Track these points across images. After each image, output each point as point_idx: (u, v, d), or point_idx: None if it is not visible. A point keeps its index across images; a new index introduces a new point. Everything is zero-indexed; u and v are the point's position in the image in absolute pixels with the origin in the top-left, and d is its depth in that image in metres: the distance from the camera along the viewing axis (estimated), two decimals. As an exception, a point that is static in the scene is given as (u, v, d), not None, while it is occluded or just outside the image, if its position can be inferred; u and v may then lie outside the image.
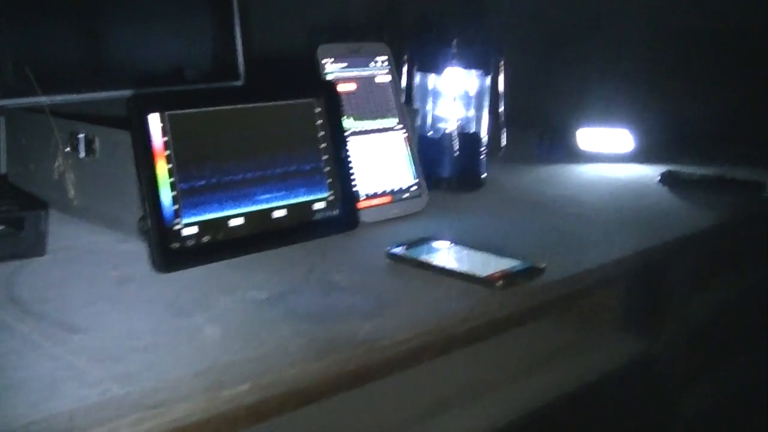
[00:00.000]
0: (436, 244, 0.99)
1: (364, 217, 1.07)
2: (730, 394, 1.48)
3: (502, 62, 1.35)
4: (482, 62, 1.31)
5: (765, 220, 1.44)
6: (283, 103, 1.01)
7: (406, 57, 1.34)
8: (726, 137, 1.70)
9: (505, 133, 1.41)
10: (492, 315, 0.85)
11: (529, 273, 0.91)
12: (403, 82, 1.32)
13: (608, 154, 1.60)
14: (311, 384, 0.68)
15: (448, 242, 0.99)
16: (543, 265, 0.92)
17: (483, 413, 0.98)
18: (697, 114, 1.72)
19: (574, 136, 1.61)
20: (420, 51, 1.33)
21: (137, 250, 0.93)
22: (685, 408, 1.33)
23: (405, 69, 1.34)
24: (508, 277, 0.88)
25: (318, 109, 1.03)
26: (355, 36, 1.18)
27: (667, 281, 1.22)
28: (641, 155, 1.59)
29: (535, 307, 0.91)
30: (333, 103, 1.05)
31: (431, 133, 1.31)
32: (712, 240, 1.25)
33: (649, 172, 1.49)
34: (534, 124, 1.68)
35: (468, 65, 1.30)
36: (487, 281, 0.87)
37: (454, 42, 1.28)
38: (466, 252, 0.97)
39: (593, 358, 1.16)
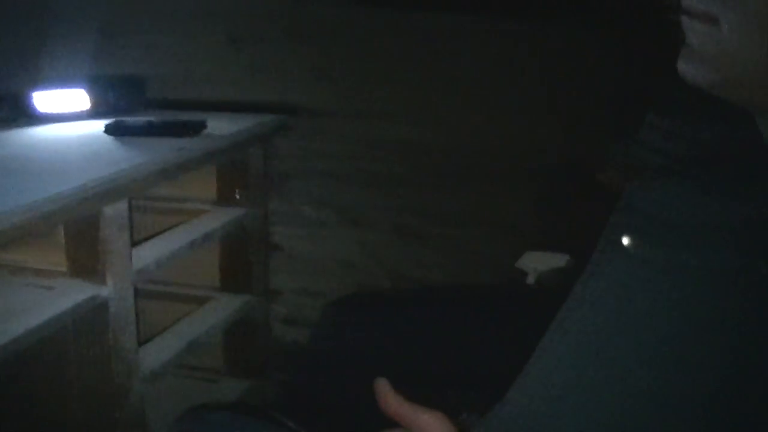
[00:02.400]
0: None
1: None
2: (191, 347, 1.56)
3: None
4: None
5: (210, 156, 1.57)
6: None
7: None
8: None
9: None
10: None
11: None
12: None
13: (66, 114, 1.64)
14: None
15: None
16: None
17: None
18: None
19: (30, 99, 1.63)
20: None
21: None
22: (145, 363, 1.40)
23: None
24: None
25: None
26: None
27: (107, 226, 1.28)
28: (99, 112, 1.65)
29: None
30: None
31: None
32: (147, 178, 1.35)
33: (101, 127, 1.55)
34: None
35: None
36: None
37: None
38: None
39: (44, 311, 1.20)
